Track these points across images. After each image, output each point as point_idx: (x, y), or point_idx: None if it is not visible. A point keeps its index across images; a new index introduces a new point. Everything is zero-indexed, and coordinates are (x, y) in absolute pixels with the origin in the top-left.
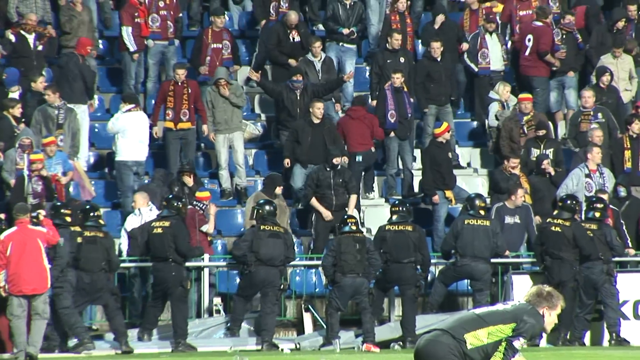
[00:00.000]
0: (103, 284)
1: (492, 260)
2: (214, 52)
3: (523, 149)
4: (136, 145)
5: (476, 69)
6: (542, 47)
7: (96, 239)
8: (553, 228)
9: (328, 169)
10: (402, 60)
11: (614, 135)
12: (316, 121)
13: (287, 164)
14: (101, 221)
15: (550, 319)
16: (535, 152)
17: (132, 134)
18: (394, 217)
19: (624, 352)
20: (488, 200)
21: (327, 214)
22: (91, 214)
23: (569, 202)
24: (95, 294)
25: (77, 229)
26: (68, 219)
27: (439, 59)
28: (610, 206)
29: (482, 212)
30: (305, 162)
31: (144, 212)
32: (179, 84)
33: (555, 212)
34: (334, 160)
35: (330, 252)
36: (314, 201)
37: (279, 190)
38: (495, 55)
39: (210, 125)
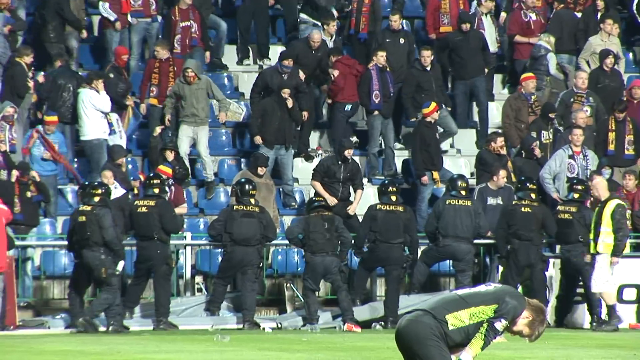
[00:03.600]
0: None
1: (475, 241)
2: (184, 30)
3: (533, 130)
4: (100, 123)
5: (492, 49)
6: (508, 32)
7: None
8: (523, 209)
9: (340, 162)
10: (402, 41)
11: (601, 119)
12: (286, 102)
13: (259, 140)
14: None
15: (522, 322)
16: (545, 134)
17: (90, 112)
18: (392, 197)
19: (606, 334)
20: (473, 181)
21: (332, 200)
22: (92, 191)
23: (527, 183)
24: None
25: None
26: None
27: (428, 68)
28: None
29: (463, 193)
30: (272, 143)
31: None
32: (164, 61)
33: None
34: (346, 153)
35: (298, 224)
36: (319, 187)
37: (260, 170)
38: (490, 38)
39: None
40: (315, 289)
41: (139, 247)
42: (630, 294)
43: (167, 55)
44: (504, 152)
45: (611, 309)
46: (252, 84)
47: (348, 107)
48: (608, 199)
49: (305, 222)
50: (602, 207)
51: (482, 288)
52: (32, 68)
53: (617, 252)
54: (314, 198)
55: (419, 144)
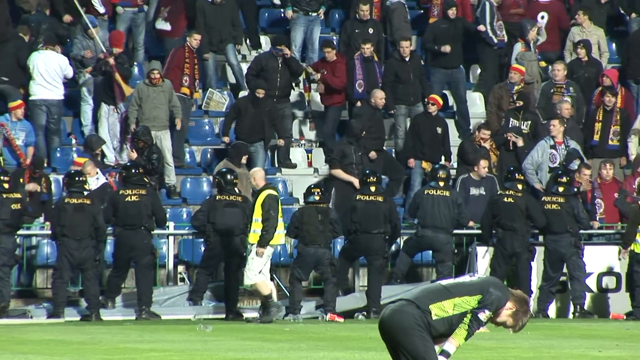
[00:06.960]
0: (90, 251)
1: (457, 231)
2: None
3: (504, 119)
4: (48, 84)
5: (495, 40)
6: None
7: (83, 206)
8: (505, 199)
9: (352, 144)
10: (370, 31)
11: (581, 110)
12: (259, 98)
13: (226, 140)
14: (87, 186)
15: (506, 313)
16: (514, 123)
17: (44, 73)
18: (372, 188)
19: (588, 325)
20: (454, 172)
21: (355, 181)
22: (77, 179)
23: (515, 174)
24: (82, 262)
25: (13, 195)
26: (6, 185)
27: (407, 59)
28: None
29: (442, 184)
30: (244, 140)
31: (91, 181)
32: (194, 51)
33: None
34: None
35: (293, 222)
36: (339, 172)
37: (244, 159)
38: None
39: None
40: (303, 279)
41: (121, 236)
42: (610, 282)
43: (198, 44)
44: (486, 144)
45: (266, 300)
46: (247, 68)
47: None
48: (262, 188)
49: (299, 212)
50: (256, 197)
51: (466, 278)
52: None
53: (262, 242)
54: (311, 186)
55: (412, 130)
